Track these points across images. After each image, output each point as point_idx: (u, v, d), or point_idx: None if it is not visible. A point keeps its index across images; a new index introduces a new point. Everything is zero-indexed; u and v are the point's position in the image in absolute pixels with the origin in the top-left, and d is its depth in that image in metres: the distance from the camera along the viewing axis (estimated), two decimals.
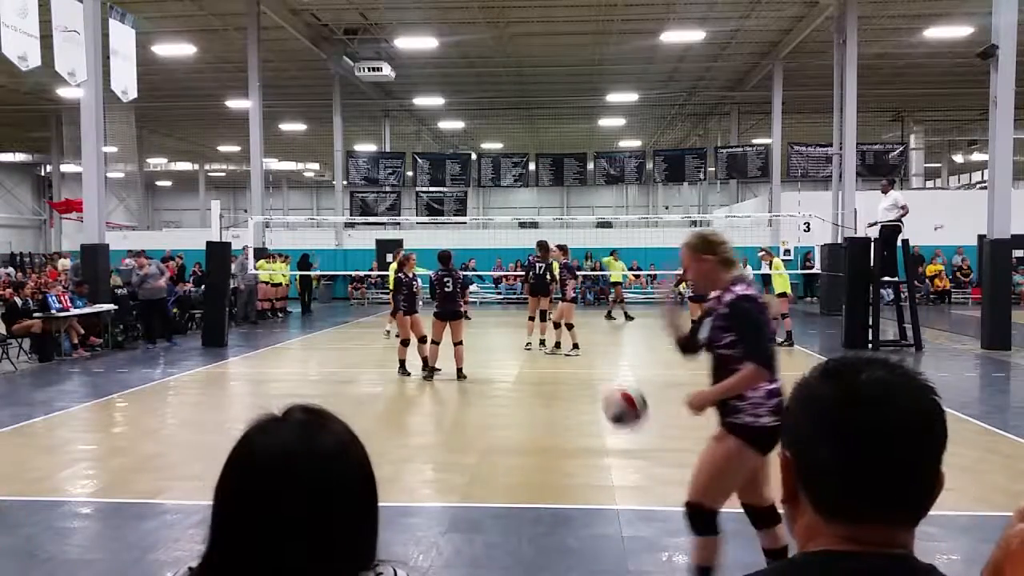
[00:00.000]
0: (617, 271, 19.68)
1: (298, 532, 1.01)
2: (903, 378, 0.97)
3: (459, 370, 10.49)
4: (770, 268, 14.41)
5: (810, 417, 0.98)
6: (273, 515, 1.01)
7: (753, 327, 3.35)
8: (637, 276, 23.65)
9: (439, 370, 10.62)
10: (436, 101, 28.19)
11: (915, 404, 0.95)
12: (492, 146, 36.75)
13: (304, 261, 22.27)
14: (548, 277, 13.46)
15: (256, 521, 1.01)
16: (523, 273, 14.14)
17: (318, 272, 23.27)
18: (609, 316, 18.98)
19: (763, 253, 14.91)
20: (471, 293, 21.43)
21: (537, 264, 13.61)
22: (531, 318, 13.68)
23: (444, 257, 10.73)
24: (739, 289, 3.43)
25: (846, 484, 0.94)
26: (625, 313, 18.92)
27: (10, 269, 28.28)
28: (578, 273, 14.11)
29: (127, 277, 17.40)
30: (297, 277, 21.84)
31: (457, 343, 10.49)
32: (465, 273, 21.03)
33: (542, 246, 13.59)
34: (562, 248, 13.48)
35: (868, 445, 0.93)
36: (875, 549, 0.94)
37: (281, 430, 1.06)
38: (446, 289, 10.47)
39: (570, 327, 12.86)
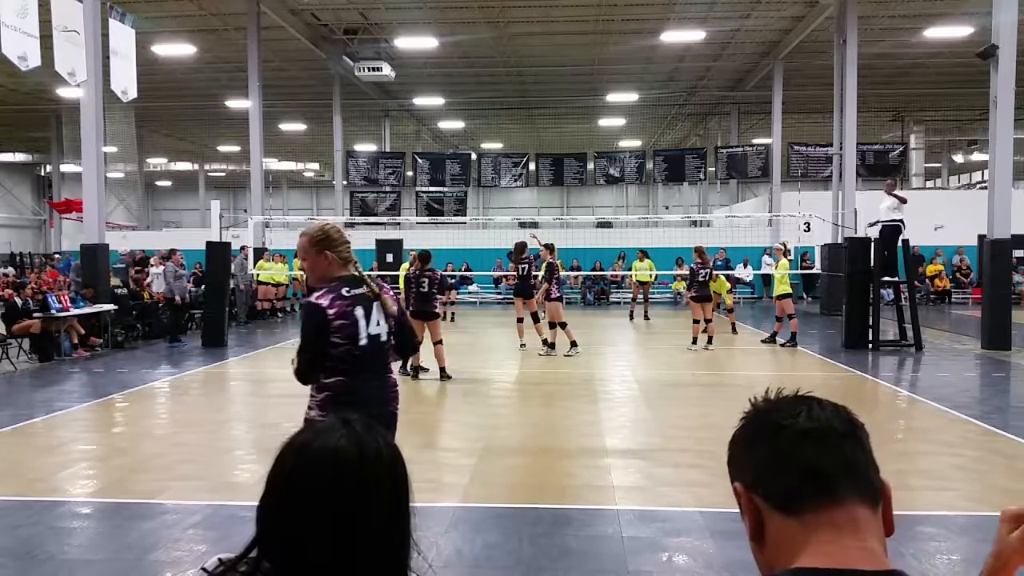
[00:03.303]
0: (644, 270, 19.78)
1: (343, 528, 1.04)
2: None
3: (442, 370, 10.47)
4: (776, 267, 14.40)
5: (741, 437, 1.07)
6: (320, 510, 1.04)
7: (302, 331, 3.50)
8: (655, 278, 23.72)
9: (427, 369, 10.65)
10: (436, 101, 28.19)
11: (833, 406, 1.05)
12: (492, 146, 36.74)
13: None
14: (531, 278, 13.49)
15: (303, 514, 1.05)
16: (514, 274, 14.14)
17: None
18: (645, 316, 18.98)
19: (778, 247, 14.80)
20: (471, 293, 21.44)
21: (519, 266, 13.61)
22: (519, 320, 13.67)
23: (424, 256, 10.76)
24: (316, 293, 3.54)
25: (796, 460, 0.99)
26: (644, 313, 19.05)
27: (10, 269, 28.28)
28: (560, 274, 14.10)
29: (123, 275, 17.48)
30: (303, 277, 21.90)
31: (436, 343, 10.49)
32: (461, 274, 21.08)
33: (519, 248, 13.59)
34: (548, 247, 13.44)
35: (799, 425, 1.01)
36: (868, 562, 0.93)
37: (336, 432, 1.11)
38: (421, 289, 10.49)
39: (563, 326, 12.85)
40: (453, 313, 19.84)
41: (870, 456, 1.02)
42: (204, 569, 1.11)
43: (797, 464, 0.98)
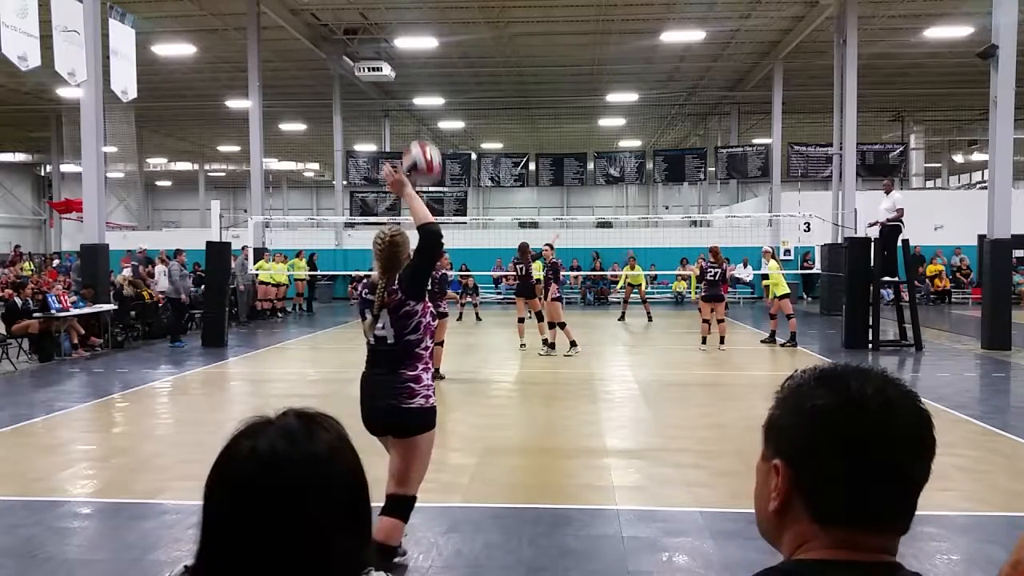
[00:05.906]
0: (638, 272, 19.82)
1: (282, 534, 0.99)
2: (897, 388, 0.97)
3: (436, 370, 10.42)
4: (768, 268, 14.43)
5: (810, 426, 0.97)
6: (258, 516, 0.99)
7: None
8: (654, 278, 23.77)
9: (442, 377, 10.64)
10: (436, 101, 28.19)
11: (915, 415, 0.96)
12: (492, 146, 36.73)
13: (311, 261, 22.37)
14: (532, 278, 13.53)
15: (241, 522, 1.00)
16: (513, 274, 14.20)
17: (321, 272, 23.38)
18: (648, 318, 18.91)
19: (766, 250, 15.05)
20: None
21: (519, 266, 13.62)
22: (520, 320, 13.71)
23: None
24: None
25: (852, 493, 0.93)
26: (647, 314, 19.06)
27: (9, 268, 28.26)
28: (563, 274, 14.13)
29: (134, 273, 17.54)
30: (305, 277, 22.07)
31: (437, 343, 10.46)
32: (461, 274, 21.04)
33: (522, 248, 13.61)
34: (549, 246, 13.47)
35: (875, 454, 0.93)
36: (867, 557, 0.93)
37: (270, 432, 1.04)
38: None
39: (562, 326, 12.85)
40: (477, 313, 19.85)
41: (927, 479, 0.97)
42: None
43: (872, 498, 0.92)
